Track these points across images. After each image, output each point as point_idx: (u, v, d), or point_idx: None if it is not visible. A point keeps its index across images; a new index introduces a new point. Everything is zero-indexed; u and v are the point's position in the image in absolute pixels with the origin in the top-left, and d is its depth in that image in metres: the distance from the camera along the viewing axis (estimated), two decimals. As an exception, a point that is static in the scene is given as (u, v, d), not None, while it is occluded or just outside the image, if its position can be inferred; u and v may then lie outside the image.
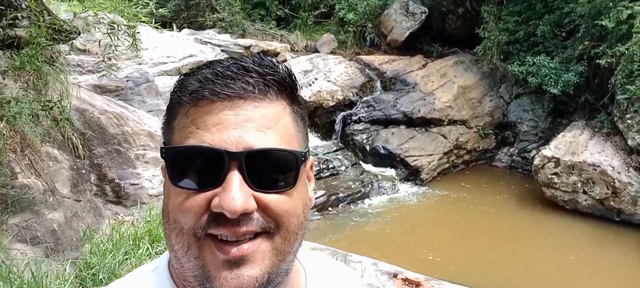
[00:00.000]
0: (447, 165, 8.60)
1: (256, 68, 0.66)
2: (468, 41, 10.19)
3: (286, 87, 0.69)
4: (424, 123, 8.63)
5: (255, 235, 0.63)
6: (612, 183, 6.84)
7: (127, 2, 4.85)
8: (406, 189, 7.84)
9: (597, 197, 7.01)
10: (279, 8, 12.33)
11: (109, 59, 6.41)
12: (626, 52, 7.17)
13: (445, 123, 8.72)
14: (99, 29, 5.11)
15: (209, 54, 8.38)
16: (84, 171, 5.00)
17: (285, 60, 9.12)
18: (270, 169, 0.64)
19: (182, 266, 0.66)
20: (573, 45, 8.62)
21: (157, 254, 4.16)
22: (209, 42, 8.93)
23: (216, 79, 0.65)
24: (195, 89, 0.65)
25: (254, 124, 0.64)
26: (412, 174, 8.04)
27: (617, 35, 7.56)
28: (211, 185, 0.62)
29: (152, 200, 5.54)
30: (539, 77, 8.52)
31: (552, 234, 7.03)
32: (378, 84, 9.04)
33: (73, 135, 4.81)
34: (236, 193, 0.60)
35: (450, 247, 6.46)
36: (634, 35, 7.10)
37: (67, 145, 4.80)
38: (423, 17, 10.58)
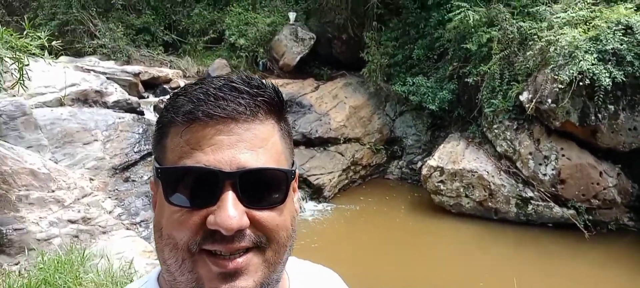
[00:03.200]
0: (346, 181, 9.02)
1: (247, 88, 0.69)
2: (354, 64, 10.86)
3: (275, 107, 0.72)
4: (322, 142, 8.98)
5: (247, 249, 0.66)
6: (488, 186, 7.79)
7: (13, 33, 4.34)
8: (311, 207, 8.07)
9: (477, 200, 7.90)
10: (166, 33, 11.94)
11: (-22, 94, 5.65)
12: (488, 71, 8.26)
13: (341, 141, 9.16)
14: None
15: (94, 82, 7.80)
16: (-44, 219, 4.32)
17: (178, 86, 8.84)
18: (262, 187, 0.67)
19: (175, 279, 0.68)
20: (444, 66, 9.56)
21: (57, 304, 3.75)
22: (92, 70, 8.29)
23: (208, 99, 0.67)
24: (189, 110, 0.67)
25: (246, 144, 0.67)
26: (315, 192, 8.30)
27: (480, 56, 8.64)
28: (206, 204, 0.64)
29: (41, 245, 4.96)
30: (418, 95, 9.39)
31: (442, 236, 7.74)
32: (275, 107, 9.18)
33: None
34: (232, 211, 0.63)
35: (357, 257, 6.78)
36: (493, 56, 8.21)
37: None
38: (312, 42, 11.05)
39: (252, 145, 0.67)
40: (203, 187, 0.65)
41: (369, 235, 7.59)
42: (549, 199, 7.47)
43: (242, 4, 11.82)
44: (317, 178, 8.39)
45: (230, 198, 0.64)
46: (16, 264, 4.55)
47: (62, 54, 9.93)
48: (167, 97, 8.95)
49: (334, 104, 9.62)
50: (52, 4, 11.25)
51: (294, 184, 0.78)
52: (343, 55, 11.40)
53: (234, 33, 11.17)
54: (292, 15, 11.08)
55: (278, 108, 0.72)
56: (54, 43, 4.76)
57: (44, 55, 4.38)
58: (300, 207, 7.79)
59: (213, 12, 12.26)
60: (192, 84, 0.72)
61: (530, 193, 7.61)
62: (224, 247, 0.64)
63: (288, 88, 9.73)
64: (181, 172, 0.66)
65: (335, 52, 11.52)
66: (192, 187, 0.65)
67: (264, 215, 0.67)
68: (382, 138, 9.89)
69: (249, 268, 0.66)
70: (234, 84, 0.68)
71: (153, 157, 0.75)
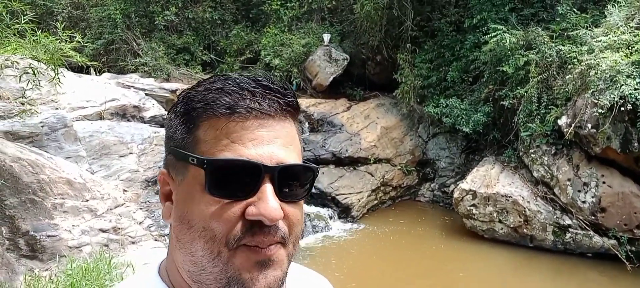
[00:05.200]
0: (375, 202, 8.90)
1: (277, 88, 0.71)
2: (387, 85, 10.83)
3: (295, 108, 0.75)
4: (352, 162, 8.93)
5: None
6: (524, 212, 7.48)
7: (50, 37, 4.59)
8: (338, 227, 7.99)
9: (512, 226, 7.60)
10: (204, 53, 12.33)
11: (23, 103, 5.99)
12: (525, 94, 8.02)
13: (372, 161, 9.08)
14: (15, 70, 4.77)
15: (133, 98, 8.11)
16: (-6, 223, 4.54)
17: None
18: (294, 182, 0.71)
19: (204, 270, 0.69)
20: (479, 88, 9.38)
21: (82, 309, 3.85)
22: (132, 86, 8.64)
23: (245, 95, 0.69)
24: (229, 104, 0.68)
25: (281, 141, 0.70)
26: (343, 212, 8.24)
27: (517, 79, 8.42)
28: (246, 196, 0.67)
29: (72, 252, 5.13)
30: (452, 117, 9.21)
31: (474, 262, 7.46)
32: (306, 125, 9.27)
33: (-18, 184, 4.37)
34: (274, 202, 0.66)
35: (383, 280, 6.63)
36: (531, 79, 7.98)
37: (-25, 195, 4.35)
38: (345, 63, 11.11)
39: (286, 142, 0.71)
40: (245, 179, 0.67)
41: (397, 258, 7.41)
42: (588, 228, 7.09)
43: (279, 26, 12.06)
44: (345, 198, 8.32)
45: (270, 190, 0.66)
46: (46, 270, 4.71)
47: (105, 71, 10.44)
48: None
49: (365, 124, 9.58)
50: (99, 24, 11.88)
51: None
52: (376, 76, 11.39)
53: (270, 53, 11.39)
54: (326, 37, 11.20)
55: (298, 110, 0.76)
56: (89, 62, 4.99)
57: (76, 57, 4.59)
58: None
59: (250, 33, 12.57)
60: (217, 78, 0.73)
61: (568, 221, 7.26)
62: (262, 240, 0.67)
63: (320, 107, 9.78)
64: (226, 164, 0.67)
65: (368, 73, 11.54)
66: (234, 179, 0.67)
67: (291, 210, 0.70)
68: (413, 159, 9.74)
69: (277, 259, 0.69)
70: (263, 83, 0.71)
71: (170, 147, 0.73)
